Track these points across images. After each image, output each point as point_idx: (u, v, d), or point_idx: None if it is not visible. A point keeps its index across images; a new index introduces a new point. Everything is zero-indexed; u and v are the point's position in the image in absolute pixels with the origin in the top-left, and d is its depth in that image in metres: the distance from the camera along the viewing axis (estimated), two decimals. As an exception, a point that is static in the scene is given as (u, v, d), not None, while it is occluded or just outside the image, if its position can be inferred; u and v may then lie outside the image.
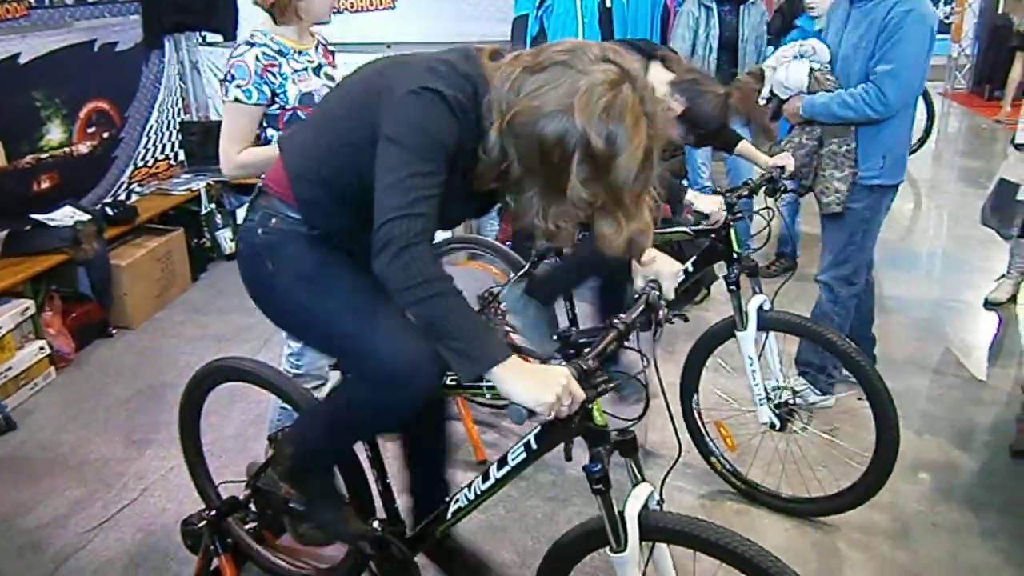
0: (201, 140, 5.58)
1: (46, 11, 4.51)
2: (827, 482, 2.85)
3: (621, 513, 1.61)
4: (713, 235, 2.84)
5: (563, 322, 3.22)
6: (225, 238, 5.44)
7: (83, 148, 4.79)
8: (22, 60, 4.31)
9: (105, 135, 4.98)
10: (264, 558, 2.48)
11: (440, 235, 3.82)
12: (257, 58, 2.46)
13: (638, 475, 1.67)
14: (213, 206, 5.40)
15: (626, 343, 1.62)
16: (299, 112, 2.53)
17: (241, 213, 5.32)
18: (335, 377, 2.10)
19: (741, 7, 4.46)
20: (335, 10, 2.73)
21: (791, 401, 2.81)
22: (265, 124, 2.58)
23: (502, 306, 3.17)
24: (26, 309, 3.82)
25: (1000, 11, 10.78)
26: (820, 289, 3.30)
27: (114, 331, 4.41)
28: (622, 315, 1.64)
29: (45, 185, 4.50)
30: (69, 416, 3.60)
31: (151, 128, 5.46)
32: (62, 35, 4.59)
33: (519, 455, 1.76)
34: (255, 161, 2.49)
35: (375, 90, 1.60)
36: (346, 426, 1.95)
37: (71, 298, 4.24)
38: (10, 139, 4.25)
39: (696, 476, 2.98)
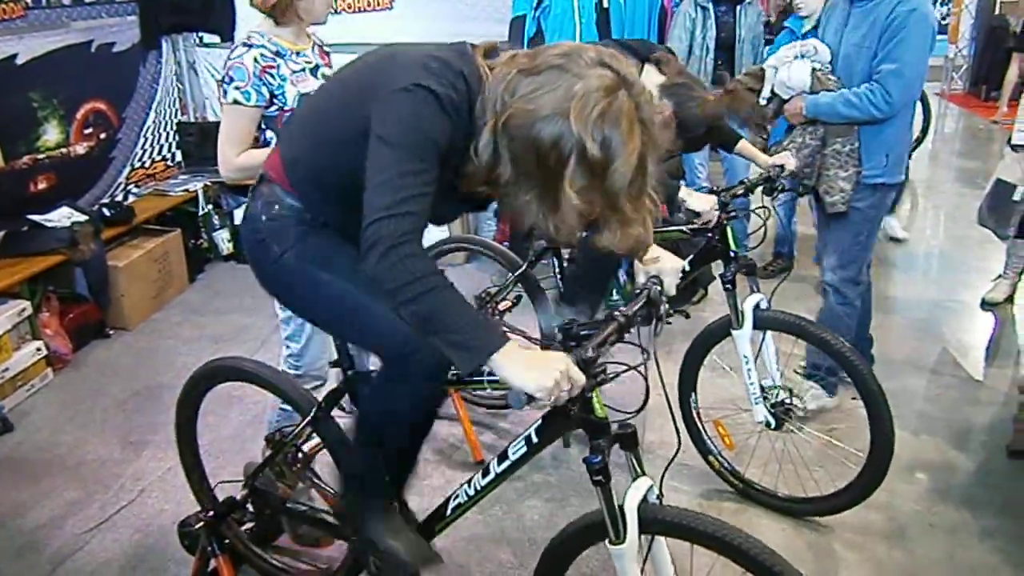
0: (198, 141, 5.59)
1: (43, 12, 4.51)
2: (823, 482, 2.85)
3: (620, 506, 1.62)
4: (709, 234, 2.85)
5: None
6: (222, 239, 5.44)
7: (80, 149, 4.79)
8: (19, 61, 4.31)
9: (102, 136, 4.99)
10: (262, 559, 2.48)
11: (438, 234, 3.83)
12: (255, 59, 2.46)
13: (638, 469, 1.67)
14: (210, 207, 5.40)
15: (626, 336, 1.63)
16: (310, 100, 2.51)
17: (238, 214, 5.33)
18: (334, 376, 2.10)
19: (737, 8, 4.46)
20: (333, 11, 2.73)
21: (787, 400, 2.81)
22: (263, 126, 2.58)
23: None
24: (23, 310, 3.81)
25: (996, 12, 10.82)
26: (827, 292, 3.27)
27: (111, 332, 4.41)
28: (623, 308, 1.64)
29: (42, 186, 4.50)
30: (66, 417, 3.59)
31: (148, 129, 5.47)
32: (59, 36, 4.59)
33: (520, 449, 1.76)
34: (254, 163, 2.47)
35: (367, 86, 1.59)
36: (380, 428, 1.92)
37: (68, 299, 4.23)
38: (7, 140, 4.25)
39: (693, 476, 2.99)
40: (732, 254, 2.80)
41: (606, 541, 1.64)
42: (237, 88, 2.45)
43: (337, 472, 2.14)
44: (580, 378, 1.46)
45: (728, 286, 2.77)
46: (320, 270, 1.79)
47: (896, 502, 2.85)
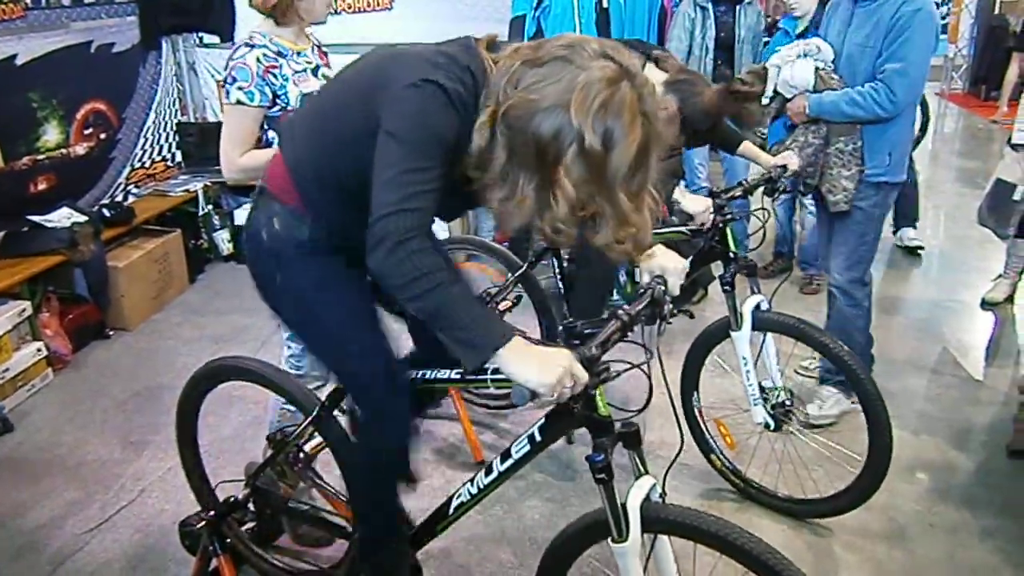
0: (198, 141, 5.59)
1: (43, 12, 4.51)
2: (823, 483, 2.85)
3: (623, 504, 1.62)
4: (708, 235, 2.84)
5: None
6: (223, 239, 5.44)
7: (80, 149, 4.79)
8: (19, 61, 4.30)
9: (102, 136, 4.98)
10: (263, 559, 2.48)
11: (436, 235, 3.82)
12: (258, 59, 2.45)
13: (641, 467, 1.67)
14: (210, 207, 5.39)
15: (629, 335, 1.63)
16: (312, 102, 2.51)
17: (239, 214, 5.33)
18: (334, 377, 2.10)
19: (737, 7, 4.46)
20: (332, 11, 2.73)
21: (787, 402, 2.81)
22: (266, 126, 2.57)
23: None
24: (23, 310, 3.81)
25: (996, 12, 10.82)
26: (834, 296, 3.26)
27: (111, 332, 4.40)
28: (626, 307, 1.64)
29: (42, 186, 4.50)
30: (66, 417, 3.59)
31: (148, 129, 5.46)
32: (59, 36, 4.59)
33: (523, 447, 1.76)
34: (257, 164, 2.47)
35: (374, 83, 1.58)
36: (371, 461, 2.02)
37: (68, 299, 4.23)
38: (7, 140, 4.25)
39: (694, 476, 2.99)
40: (731, 255, 2.80)
41: (609, 540, 1.64)
42: (240, 88, 2.45)
43: (340, 472, 2.14)
44: (583, 375, 1.46)
45: (727, 287, 2.76)
46: (312, 312, 1.85)
47: (896, 502, 2.85)
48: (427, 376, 1.92)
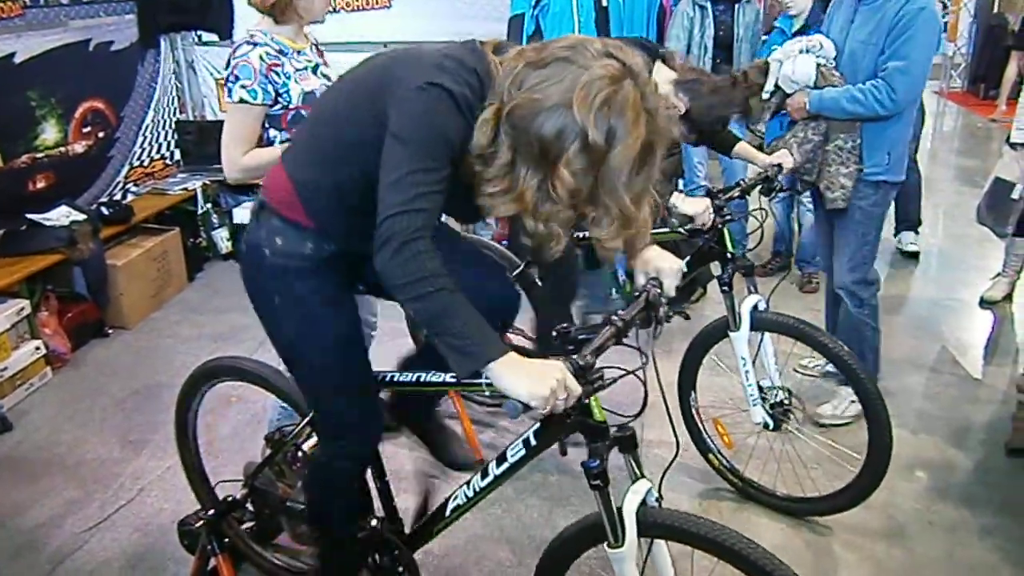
0: (197, 139, 5.58)
1: (41, 10, 4.50)
2: (822, 482, 2.86)
3: (619, 509, 1.61)
4: (706, 236, 2.84)
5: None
6: (221, 237, 5.43)
7: (79, 148, 4.79)
8: (17, 60, 4.30)
9: (101, 135, 4.98)
10: (262, 558, 2.48)
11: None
12: (261, 58, 2.44)
13: (637, 471, 1.67)
14: (209, 206, 5.39)
15: (625, 340, 1.62)
16: (303, 111, 2.51)
17: (238, 212, 5.33)
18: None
19: (736, 6, 4.45)
20: (331, 9, 2.72)
21: (786, 401, 2.81)
22: (267, 125, 2.56)
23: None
24: (22, 309, 3.81)
25: (995, 10, 10.82)
26: (842, 299, 3.25)
27: (110, 331, 4.41)
28: (621, 311, 1.64)
29: (41, 185, 4.49)
30: (65, 416, 3.59)
31: (147, 127, 5.46)
32: (57, 34, 4.59)
33: (518, 452, 1.76)
34: (259, 163, 2.46)
35: (381, 86, 1.58)
36: (325, 483, 2.07)
37: (67, 298, 4.23)
38: (5, 139, 4.25)
39: (693, 475, 2.99)
40: (729, 255, 2.80)
41: (605, 545, 1.64)
42: (243, 87, 2.43)
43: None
44: (576, 389, 1.46)
45: (725, 288, 2.76)
46: (306, 338, 1.85)
47: (895, 500, 2.85)
48: (422, 379, 1.91)
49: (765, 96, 3.12)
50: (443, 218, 1.70)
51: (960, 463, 3.11)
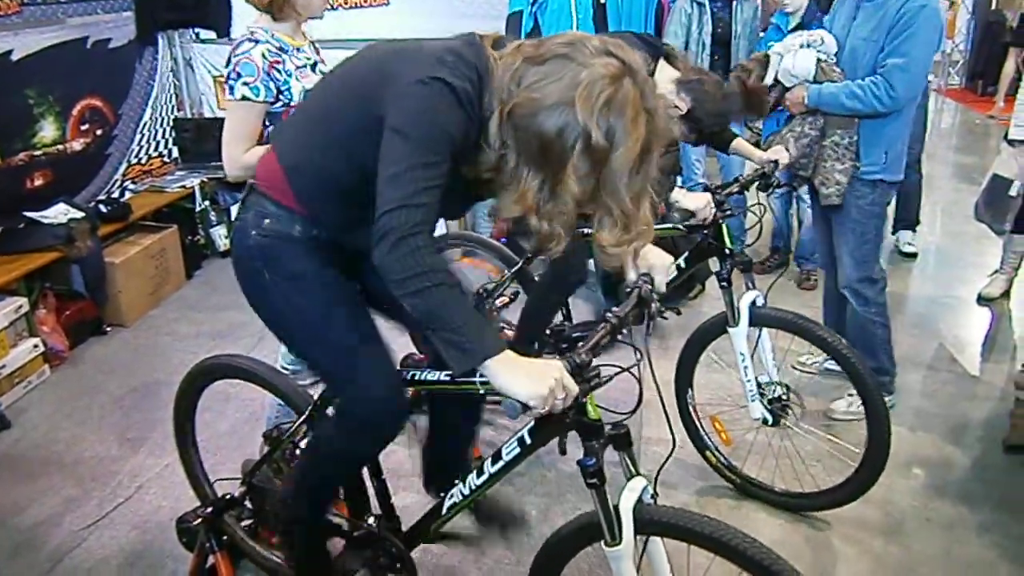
0: (195, 137, 5.57)
1: (38, 8, 4.49)
2: (821, 478, 2.86)
3: (616, 507, 1.61)
4: (705, 231, 2.85)
5: (558, 318, 3.22)
6: (219, 235, 5.43)
7: (76, 145, 4.78)
8: (14, 57, 4.29)
9: (98, 132, 4.97)
10: (260, 555, 2.48)
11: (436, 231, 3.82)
12: (263, 55, 2.44)
13: (632, 469, 1.67)
14: (207, 203, 5.39)
15: (619, 337, 1.62)
16: (303, 103, 2.50)
17: (236, 210, 5.31)
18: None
19: (733, 3, 4.46)
20: (329, 6, 2.71)
21: (784, 397, 2.82)
22: (267, 122, 2.55)
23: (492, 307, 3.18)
24: (20, 307, 3.81)
25: (993, 7, 10.83)
26: (848, 299, 3.25)
27: (108, 329, 4.40)
28: (615, 309, 1.64)
29: (38, 182, 4.49)
30: (63, 414, 3.59)
31: (145, 125, 5.44)
32: (55, 32, 4.57)
33: (513, 450, 1.76)
34: None
35: (378, 79, 1.58)
36: (324, 462, 2.01)
37: (65, 296, 4.23)
38: (3, 136, 4.24)
39: (690, 471, 2.99)
40: (728, 251, 2.80)
41: (602, 543, 1.64)
42: (246, 84, 2.43)
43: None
44: (574, 388, 1.46)
45: (724, 283, 2.77)
46: (304, 311, 1.80)
47: (893, 497, 2.85)
48: (416, 376, 1.91)
49: None
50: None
51: (958, 460, 3.11)
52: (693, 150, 4.69)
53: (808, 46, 3.05)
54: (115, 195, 5.03)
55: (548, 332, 1.66)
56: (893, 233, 5.31)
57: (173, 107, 5.78)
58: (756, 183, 2.89)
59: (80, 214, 4.30)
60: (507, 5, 4.80)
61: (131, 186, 5.23)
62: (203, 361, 2.37)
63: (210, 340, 4.21)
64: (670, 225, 3.03)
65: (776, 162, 2.92)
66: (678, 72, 2.76)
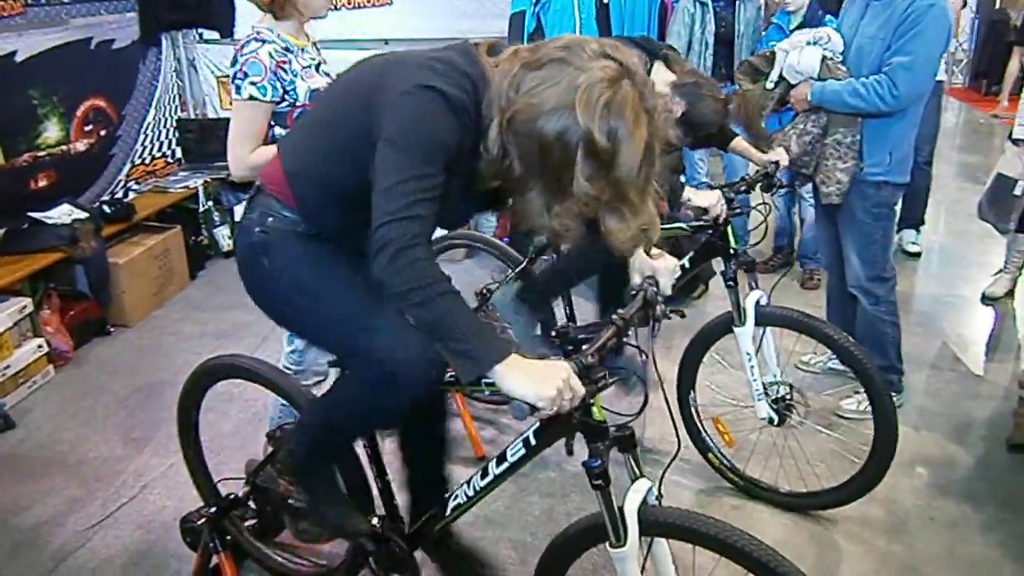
0: (199, 137, 5.58)
1: (42, 9, 4.50)
2: (825, 477, 2.85)
3: (620, 508, 1.62)
4: (710, 231, 2.84)
5: (560, 319, 3.22)
6: (223, 235, 5.44)
7: (80, 146, 4.79)
8: (18, 58, 4.30)
9: (102, 133, 4.98)
10: (263, 555, 2.48)
11: (437, 232, 3.82)
12: (270, 55, 2.44)
13: (637, 470, 1.67)
14: (211, 203, 5.39)
15: (625, 339, 1.63)
16: (308, 109, 2.51)
17: (239, 211, 5.31)
18: (334, 374, 2.10)
19: (736, 2, 4.45)
20: (332, 6, 2.71)
21: (788, 396, 2.81)
22: (273, 122, 2.55)
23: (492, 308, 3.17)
24: (24, 307, 3.82)
25: (997, 6, 10.80)
26: (858, 298, 3.25)
27: (112, 329, 4.41)
28: (620, 311, 1.64)
29: (42, 183, 4.50)
30: (68, 414, 3.60)
31: (148, 126, 5.46)
32: (58, 33, 4.59)
33: (518, 451, 1.76)
34: (267, 161, 2.46)
35: (373, 89, 1.58)
36: (344, 422, 1.94)
37: (69, 296, 4.24)
38: (7, 137, 4.25)
39: (694, 472, 2.99)
40: (733, 251, 2.80)
41: (607, 544, 1.64)
42: (253, 84, 2.43)
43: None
44: (580, 389, 1.46)
45: (730, 283, 2.77)
46: (310, 291, 1.78)
47: (897, 496, 2.85)
48: None
49: (769, 86, 3.12)
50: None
51: (961, 459, 3.11)
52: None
53: (815, 43, 3.04)
54: (119, 196, 5.05)
55: (554, 333, 1.65)
56: (897, 232, 5.30)
57: (176, 107, 5.79)
58: (760, 184, 2.88)
59: (84, 215, 4.31)
60: (510, 5, 4.79)
61: (135, 186, 5.24)
62: (207, 361, 2.38)
63: (214, 340, 4.22)
64: (675, 225, 3.03)
65: (777, 163, 2.92)
66: (673, 76, 2.76)
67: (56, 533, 2.81)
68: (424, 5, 5.53)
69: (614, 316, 1.62)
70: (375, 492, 2.13)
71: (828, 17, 4.12)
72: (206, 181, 5.34)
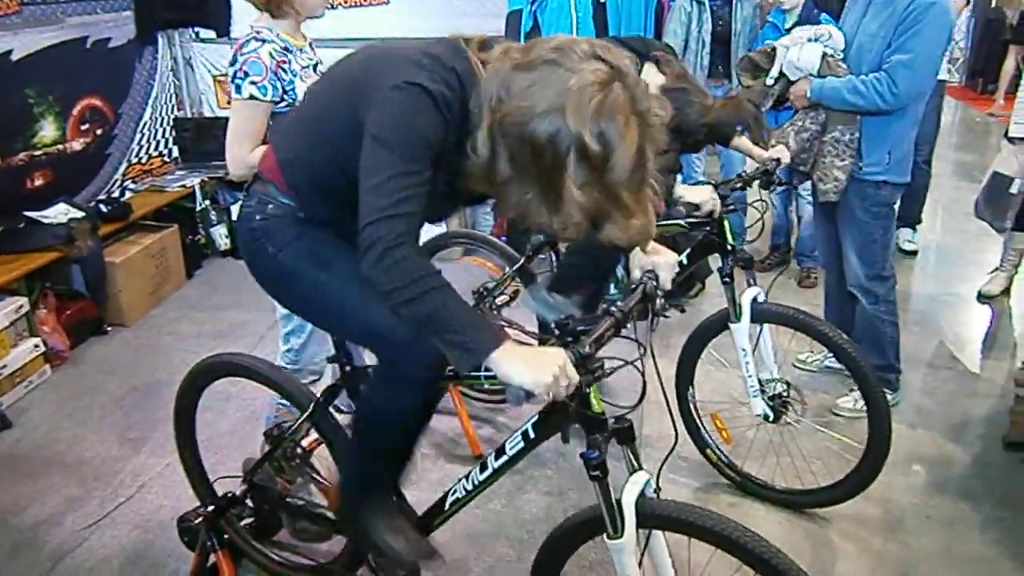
0: (195, 136, 5.57)
1: (38, 7, 4.49)
2: (821, 474, 2.86)
3: (618, 500, 1.62)
4: (707, 228, 2.84)
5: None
6: (220, 234, 5.43)
7: (77, 145, 4.78)
8: (14, 57, 4.29)
9: (99, 132, 4.97)
10: (261, 554, 2.48)
11: (435, 229, 3.83)
12: (271, 54, 2.44)
13: (635, 463, 1.68)
14: (207, 202, 5.37)
15: (623, 332, 1.63)
16: (299, 103, 2.50)
17: (236, 209, 5.31)
18: (331, 372, 2.10)
19: (733, 1, 4.46)
20: (329, 5, 2.70)
21: (785, 393, 2.82)
22: (271, 122, 2.55)
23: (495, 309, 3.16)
24: (20, 307, 3.81)
25: (993, 5, 10.82)
26: (859, 296, 3.25)
27: (109, 328, 4.40)
28: (619, 303, 1.64)
29: (39, 182, 4.49)
30: (64, 414, 3.59)
31: (145, 125, 5.44)
32: (54, 32, 4.58)
33: (517, 444, 1.77)
34: None
35: (359, 84, 1.58)
36: (377, 437, 1.92)
37: (65, 295, 4.23)
38: (3, 137, 4.25)
39: (691, 468, 2.99)
40: (730, 248, 2.80)
41: (604, 536, 1.65)
42: (253, 83, 2.42)
43: (334, 467, 2.15)
44: (575, 376, 1.47)
45: (727, 280, 2.77)
46: (316, 268, 1.78)
47: (893, 495, 2.85)
48: None
49: (769, 82, 3.12)
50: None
51: (958, 457, 3.11)
52: (692, 149, 4.69)
53: (815, 40, 3.04)
54: (115, 195, 5.03)
55: (553, 324, 1.65)
56: (894, 230, 5.31)
57: (173, 106, 5.77)
58: (757, 181, 2.88)
59: (80, 214, 4.30)
60: (507, 3, 4.79)
61: (131, 186, 5.23)
62: (204, 360, 2.37)
63: (211, 339, 4.21)
64: (672, 222, 3.03)
65: (778, 160, 2.91)
66: (663, 79, 2.75)
67: (53, 533, 2.81)
68: (421, 4, 5.53)
69: (613, 308, 1.62)
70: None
71: (823, 16, 4.13)
72: (203, 180, 5.32)
